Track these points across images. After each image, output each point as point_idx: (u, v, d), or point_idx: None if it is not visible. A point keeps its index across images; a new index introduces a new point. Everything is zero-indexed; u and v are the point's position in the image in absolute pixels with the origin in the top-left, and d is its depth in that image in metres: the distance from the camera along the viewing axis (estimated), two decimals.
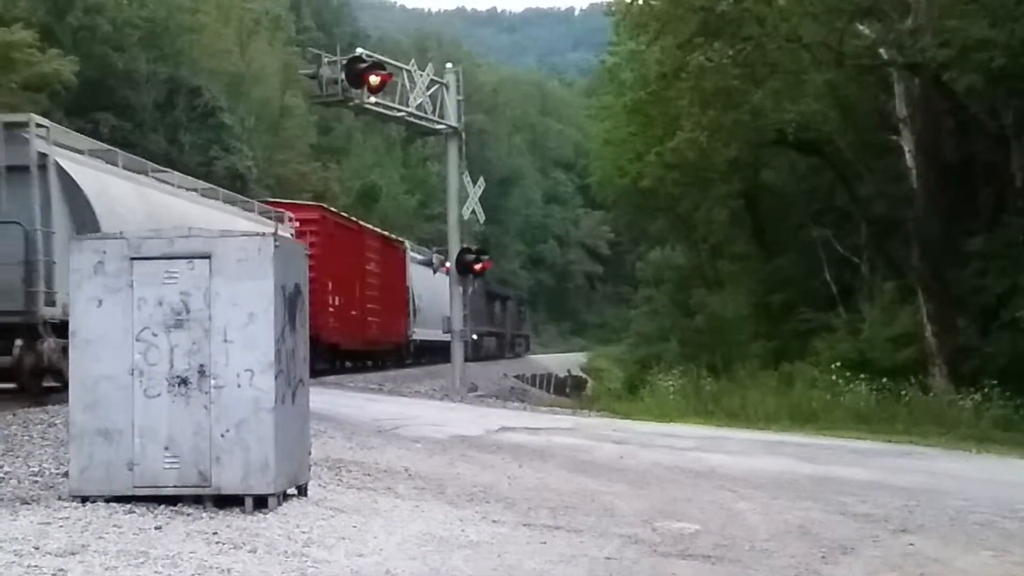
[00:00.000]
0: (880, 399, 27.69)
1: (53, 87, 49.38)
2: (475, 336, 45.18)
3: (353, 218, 45.19)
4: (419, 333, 47.77)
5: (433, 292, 47.91)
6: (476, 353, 47.88)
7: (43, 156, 18.62)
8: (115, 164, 22.36)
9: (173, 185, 24.97)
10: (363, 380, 31.40)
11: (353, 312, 38.68)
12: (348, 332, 37.66)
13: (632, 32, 42.23)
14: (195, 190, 26.89)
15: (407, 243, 51.65)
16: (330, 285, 34.83)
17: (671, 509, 12.15)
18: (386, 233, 49.24)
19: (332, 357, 36.23)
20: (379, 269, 42.97)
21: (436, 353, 46.48)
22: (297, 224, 31.17)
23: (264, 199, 37.31)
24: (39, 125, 18.98)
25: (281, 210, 30.61)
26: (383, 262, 43.84)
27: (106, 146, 24.74)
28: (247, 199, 30.91)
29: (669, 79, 36.52)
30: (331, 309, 35.42)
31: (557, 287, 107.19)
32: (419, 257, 51.03)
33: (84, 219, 19.06)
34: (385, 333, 43.98)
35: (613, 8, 43.99)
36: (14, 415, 15.42)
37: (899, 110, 31.60)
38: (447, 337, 35.71)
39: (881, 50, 31.11)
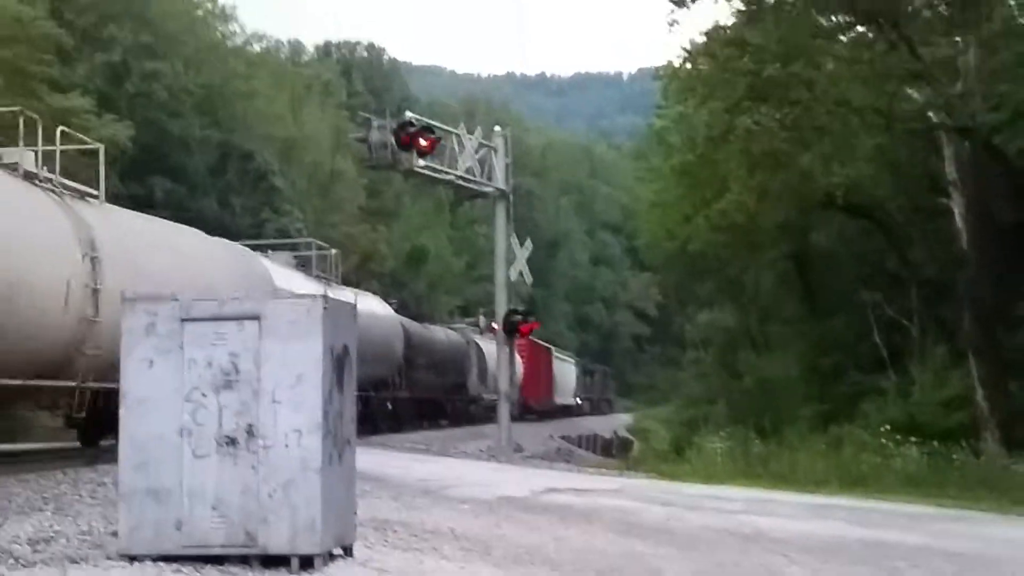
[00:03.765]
0: (931, 463, 27.45)
1: (115, 151, 50.09)
2: (579, 400, 78.24)
3: (539, 343, 64.25)
4: (559, 400, 71.49)
5: (563, 375, 74.18)
6: (579, 411, 76.16)
7: None
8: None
9: None
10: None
11: (533, 383, 61.15)
12: (535, 398, 61.42)
13: (680, 96, 42.49)
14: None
15: (553, 348, 72.70)
16: (524, 371, 54.75)
17: (719, 573, 12.06)
18: (547, 344, 69.46)
19: (523, 412, 52.79)
20: (544, 365, 66.43)
21: (567, 411, 72.40)
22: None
23: None
24: None
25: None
26: (545, 360, 67.40)
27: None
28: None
29: (717, 142, 36.59)
30: (525, 382, 56.96)
31: (603, 348, 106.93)
32: (558, 354, 73.90)
33: None
34: (547, 398, 66.59)
35: (661, 73, 44.37)
36: (64, 473, 15.54)
37: (949, 173, 31.54)
38: (570, 401, 73.65)
39: (931, 114, 31.10)
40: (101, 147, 23.39)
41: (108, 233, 19.63)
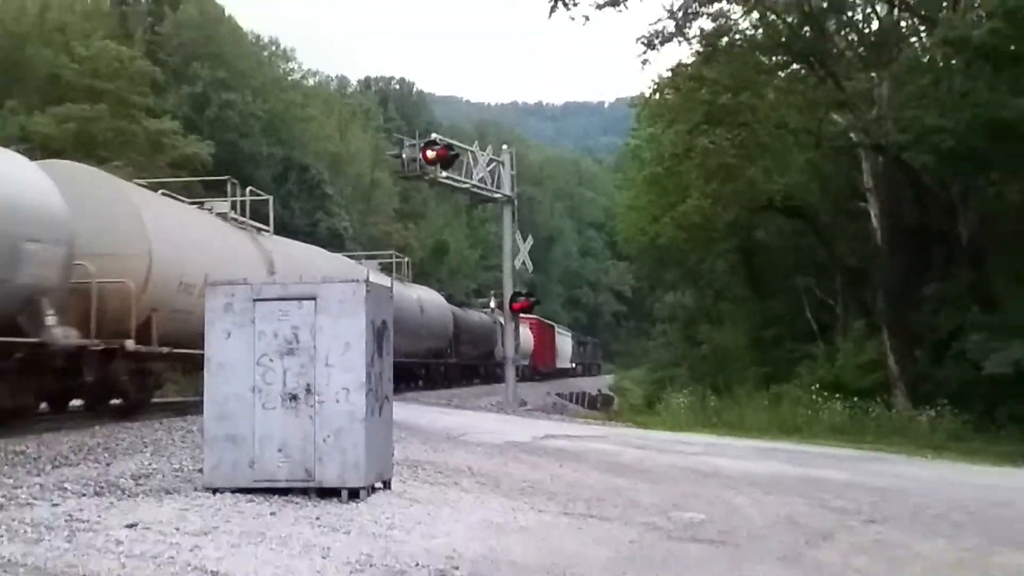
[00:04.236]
0: (852, 415, 27.49)
1: (194, 166, 50.15)
2: (574, 364, 77.39)
3: (544, 321, 66.93)
4: (559, 365, 71.03)
5: (562, 345, 73.92)
6: (574, 373, 75.90)
7: None
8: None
9: None
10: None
11: (541, 353, 61.72)
12: (542, 363, 62.09)
13: (650, 120, 42.57)
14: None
15: (556, 325, 73.69)
16: (533, 343, 56.81)
17: (683, 502, 12.10)
18: (550, 322, 71.31)
19: (533, 374, 56.16)
20: (549, 337, 66.98)
21: (564, 373, 71.51)
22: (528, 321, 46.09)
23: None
24: None
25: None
26: (549, 334, 67.79)
27: None
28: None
29: (680, 158, 36.72)
30: (535, 352, 58.34)
31: (590, 323, 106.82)
32: (559, 330, 74.75)
33: None
34: (551, 364, 66.98)
35: (635, 102, 44.46)
36: (160, 423, 15.58)
37: (866, 182, 31.50)
38: (567, 365, 74.04)
39: (852, 135, 31.05)
40: (270, 198, 26.53)
41: (278, 254, 23.27)
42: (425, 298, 39.57)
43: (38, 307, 13.95)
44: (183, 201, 21.87)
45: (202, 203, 22.60)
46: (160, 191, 20.99)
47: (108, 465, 10.63)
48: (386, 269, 37.29)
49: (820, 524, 11.16)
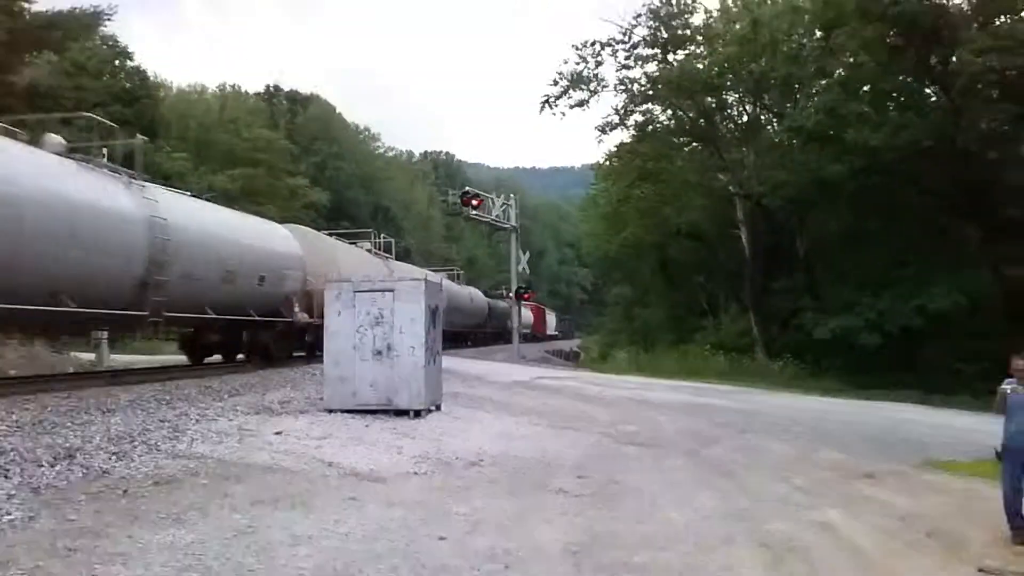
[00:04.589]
0: (731, 363, 27.34)
1: (317, 209, 50.28)
2: (558, 332, 70.64)
3: (539, 304, 62.98)
4: (549, 332, 64.40)
5: (551, 319, 68.57)
6: (557, 338, 67.31)
7: None
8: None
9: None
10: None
11: (538, 325, 58.06)
12: (539, 331, 57.18)
13: (603, 178, 42.57)
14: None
15: (545, 307, 68.21)
16: (533, 318, 54.38)
17: (624, 420, 12.14)
18: (541, 305, 65.52)
19: (533, 338, 51.82)
20: (541, 315, 61.80)
21: (551, 338, 63.48)
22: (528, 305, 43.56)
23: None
24: None
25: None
26: (542, 313, 62.21)
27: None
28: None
29: (622, 202, 36.74)
30: (534, 324, 55.61)
31: (566, 306, 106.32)
32: (549, 310, 69.98)
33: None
34: (543, 331, 61.15)
35: (593, 167, 44.60)
36: (293, 370, 15.64)
37: (739, 217, 31.34)
38: (554, 333, 67.60)
39: (730, 187, 30.93)
40: (392, 241, 26.96)
41: (394, 269, 22.98)
42: (473, 292, 41.15)
43: (290, 303, 16.06)
44: (347, 242, 22.46)
45: (355, 243, 23.16)
46: (334, 235, 22.34)
47: (263, 395, 10.70)
48: (452, 277, 37.92)
49: (710, 433, 11.19)
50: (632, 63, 31.45)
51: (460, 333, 32.93)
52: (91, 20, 22.97)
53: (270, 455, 7.05)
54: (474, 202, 28.52)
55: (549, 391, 16.28)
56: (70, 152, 11.15)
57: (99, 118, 12.88)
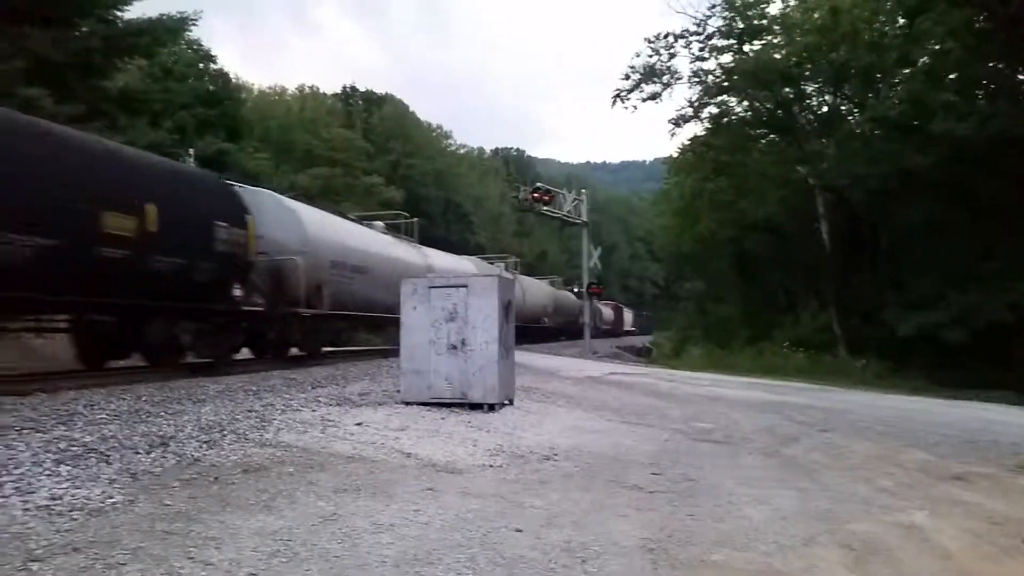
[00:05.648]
0: (810, 361, 26.65)
1: (391, 205, 51.18)
2: (634, 328, 71.04)
3: (618, 302, 68.20)
4: (626, 328, 66.22)
5: (628, 316, 71.50)
6: (634, 333, 67.91)
7: None
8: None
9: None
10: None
11: (615, 321, 60.91)
12: (618, 328, 60.45)
13: (676, 172, 41.95)
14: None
15: (624, 305, 72.56)
16: (610, 314, 58.73)
17: (698, 416, 11.96)
18: (619, 303, 70.40)
19: (610, 333, 54.38)
20: (620, 312, 65.08)
21: (628, 333, 65.34)
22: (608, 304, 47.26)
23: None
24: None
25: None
26: (620, 309, 65.87)
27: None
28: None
29: (695, 196, 36.16)
30: (611, 320, 59.16)
31: (638, 301, 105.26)
32: (627, 308, 73.27)
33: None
34: (621, 328, 63.19)
35: (666, 161, 43.97)
36: (371, 362, 15.97)
37: (820, 210, 30.48)
38: (632, 329, 69.09)
39: (809, 179, 30.09)
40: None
41: (520, 285, 25.94)
42: (542, 285, 41.30)
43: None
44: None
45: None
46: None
47: (344, 387, 10.95)
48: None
49: (789, 432, 10.91)
50: (707, 54, 30.96)
51: (525, 328, 33.31)
52: (177, 25, 23.84)
53: (351, 445, 7.23)
54: (545, 197, 28.50)
55: (621, 387, 16.18)
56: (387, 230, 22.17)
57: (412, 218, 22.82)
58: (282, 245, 14.72)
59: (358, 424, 8.13)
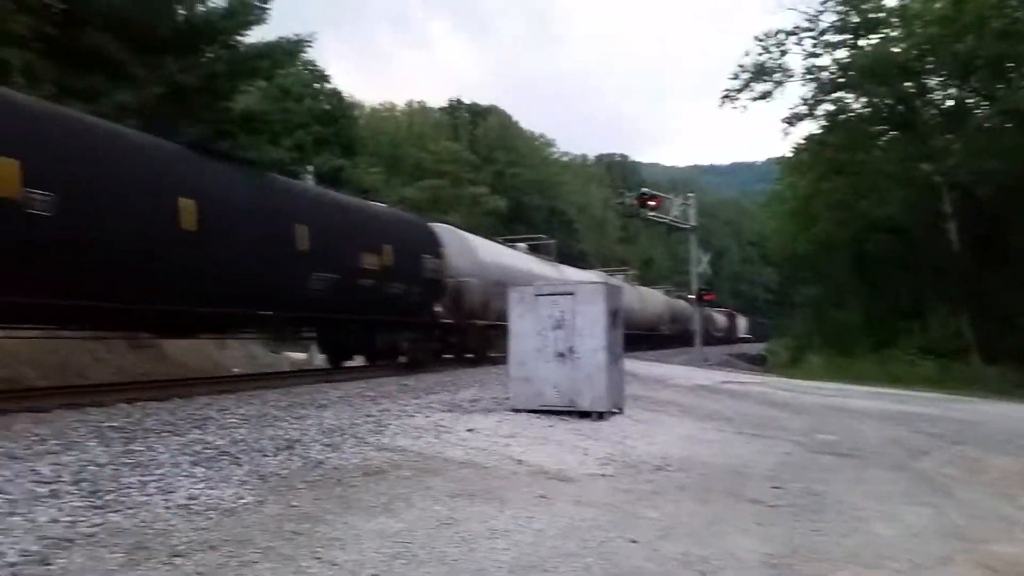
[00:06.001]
0: (940, 369, 25.10)
1: (496, 214, 51.76)
2: (748, 335, 69.09)
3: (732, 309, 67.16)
4: (739, 336, 65.70)
5: (742, 324, 71.66)
6: (746, 340, 65.42)
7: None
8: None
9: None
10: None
11: (728, 328, 60.56)
12: (732, 335, 59.70)
13: (789, 172, 40.70)
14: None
15: (736, 312, 71.19)
16: (723, 321, 59.72)
17: (820, 427, 11.48)
18: (732, 310, 69.47)
19: (724, 340, 53.67)
20: (732, 319, 65.71)
21: (742, 340, 63.76)
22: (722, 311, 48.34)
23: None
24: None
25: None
26: (732, 317, 66.79)
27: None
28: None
29: (811, 197, 34.94)
30: (724, 327, 59.05)
31: (749, 307, 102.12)
32: (740, 315, 72.09)
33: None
34: (734, 335, 62.85)
35: (779, 161, 42.77)
36: (475, 368, 16.19)
37: (946, 208, 28.72)
38: (746, 336, 67.13)
39: (935, 177, 28.44)
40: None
41: (639, 294, 26.25)
42: (650, 293, 41.47)
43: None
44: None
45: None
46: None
47: (454, 394, 11.15)
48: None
49: (918, 444, 10.31)
50: (820, 50, 29.87)
51: (638, 336, 32.88)
52: (294, 48, 25.03)
53: (464, 451, 7.34)
54: (651, 202, 28.19)
55: (735, 396, 15.75)
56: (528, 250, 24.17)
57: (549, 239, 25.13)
58: (460, 269, 18.00)
59: (469, 430, 8.25)
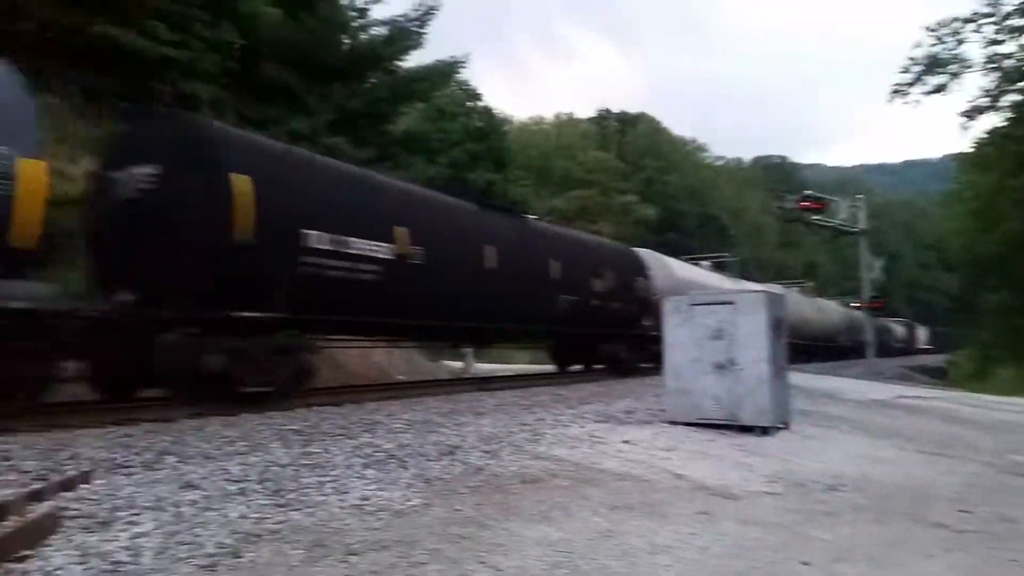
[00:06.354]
0: None
1: (647, 223, 51.08)
2: (928, 346, 63.87)
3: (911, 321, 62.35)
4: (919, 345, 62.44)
5: (924, 332, 67.68)
6: (926, 352, 60.40)
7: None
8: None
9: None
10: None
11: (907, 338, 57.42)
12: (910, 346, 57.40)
13: (969, 169, 37.47)
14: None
15: (915, 323, 66.48)
16: (902, 331, 57.87)
17: (1014, 447, 10.41)
18: (911, 321, 64.74)
19: (901, 352, 50.17)
20: (912, 330, 61.82)
21: (921, 351, 59.21)
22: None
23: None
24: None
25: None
26: (913, 328, 62.74)
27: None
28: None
29: (995, 194, 31.91)
30: (892, 336, 53.44)
31: (927, 314, 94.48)
32: (919, 326, 67.52)
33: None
34: (913, 346, 58.74)
35: (956, 157, 39.64)
36: (635, 380, 15.96)
37: None
38: (927, 346, 62.22)
39: None
40: (811, 283, 28.26)
41: (817, 305, 26.05)
42: (822, 304, 40.45)
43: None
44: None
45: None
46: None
47: (609, 405, 11.08)
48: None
49: None
50: (1003, 36, 27.32)
51: (808, 347, 31.16)
52: (450, 69, 26.01)
53: (620, 463, 7.27)
54: (815, 205, 26.80)
55: (913, 411, 14.66)
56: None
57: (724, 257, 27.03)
58: (659, 288, 19.78)
59: (625, 442, 8.16)
